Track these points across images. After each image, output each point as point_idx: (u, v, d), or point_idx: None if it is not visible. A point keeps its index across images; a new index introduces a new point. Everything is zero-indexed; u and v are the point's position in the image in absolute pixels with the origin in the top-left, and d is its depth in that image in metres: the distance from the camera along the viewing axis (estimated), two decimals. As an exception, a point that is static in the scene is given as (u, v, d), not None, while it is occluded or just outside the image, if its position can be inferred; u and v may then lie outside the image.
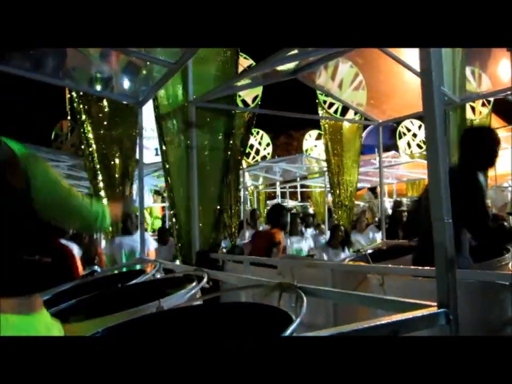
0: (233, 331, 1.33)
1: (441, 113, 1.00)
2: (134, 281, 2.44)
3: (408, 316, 0.95)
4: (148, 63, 3.46)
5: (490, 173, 7.57)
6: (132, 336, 1.38)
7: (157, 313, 1.53)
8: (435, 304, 1.00)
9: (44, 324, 1.22)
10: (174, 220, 3.88)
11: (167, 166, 3.85)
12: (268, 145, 10.80)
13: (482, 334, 2.00)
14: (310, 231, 8.45)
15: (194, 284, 1.88)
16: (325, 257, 5.65)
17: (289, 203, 12.71)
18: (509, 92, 4.77)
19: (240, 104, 6.91)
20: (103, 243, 6.33)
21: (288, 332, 1.01)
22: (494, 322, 2.06)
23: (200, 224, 3.79)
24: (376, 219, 9.32)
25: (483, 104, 7.05)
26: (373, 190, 13.62)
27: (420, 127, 10.03)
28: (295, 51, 3.12)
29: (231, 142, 4.01)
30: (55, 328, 1.26)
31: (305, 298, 1.22)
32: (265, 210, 12.77)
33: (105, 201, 5.33)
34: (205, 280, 1.94)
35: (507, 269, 2.43)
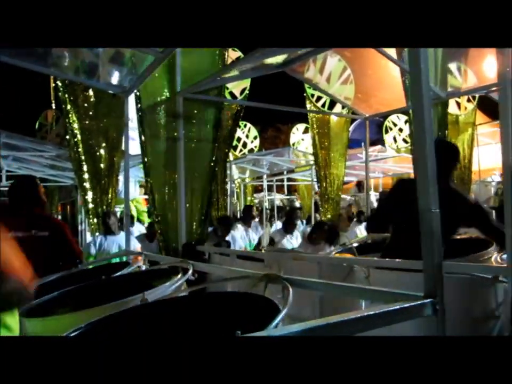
0: (220, 321, 1.32)
1: (429, 107, 0.99)
2: (118, 273, 2.41)
3: (395, 307, 0.95)
4: (135, 52, 3.42)
5: (474, 167, 7.67)
6: (116, 330, 1.36)
7: (141, 306, 1.51)
8: (421, 294, 1.01)
9: None
10: (155, 213, 3.83)
11: (148, 159, 3.79)
12: (255, 138, 10.76)
13: (467, 326, 2.02)
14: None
15: (179, 275, 1.86)
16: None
17: (276, 196, 12.72)
18: (494, 88, 4.81)
19: (228, 97, 6.87)
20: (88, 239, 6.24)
21: (275, 322, 1.01)
22: (478, 315, 2.08)
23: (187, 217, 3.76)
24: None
25: (468, 100, 7.11)
26: (360, 184, 13.69)
27: (406, 121, 10.09)
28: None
29: (218, 133, 3.97)
30: None
31: (291, 289, 1.22)
32: (253, 203, 12.78)
33: (90, 193, 5.27)
34: (190, 272, 1.92)
35: (490, 262, 2.45)
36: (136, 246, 5.06)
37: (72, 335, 1.25)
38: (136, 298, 1.56)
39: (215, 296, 1.59)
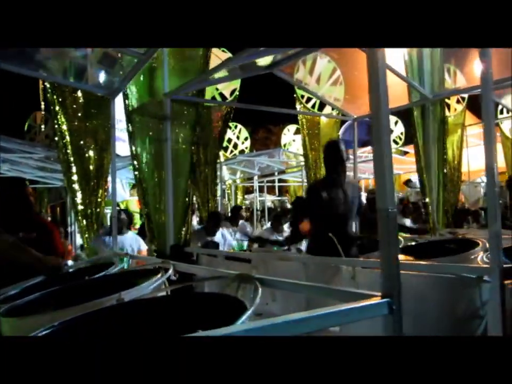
0: (190, 320, 1.33)
1: (386, 111, 1.01)
2: (101, 274, 2.42)
3: (352, 306, 0.97)
4: (122, 53, 3.42)
5: (464, 168, 7.70)
6: (88, 328, 1.37)
7: (117, 305, 1.52)
8: (379, 294, 1.02)
9: None
10: (146, 214, 3.84)
11: (137, 160, 3.80)
12: (246, 139, 10.77)
13: (450, 327, 2.04)
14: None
15: (158, 275, 1.87)
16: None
17: (267, 197, 12.71)
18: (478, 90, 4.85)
19: (218, 98, 6.87)
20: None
21: (240, 320, 1.03)
22: (461, 315, 2.09)
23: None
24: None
25: (458, 101, 7.14)
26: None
27: (396, 123, 10.14)
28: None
29: (197, 134, 3.97)
30: None
31: (260, 289, 1.24)
32: (244, 205, 12.78)
33: (79, 195, 5.25)
34: (170, 272, 1.93)
35: (477, 262, 2.47)
36: (142, 247, 5.10)
37: (43, 333, 1.26)
38: (113, 298, 1.57)
39: (190, 297, 1.60)
